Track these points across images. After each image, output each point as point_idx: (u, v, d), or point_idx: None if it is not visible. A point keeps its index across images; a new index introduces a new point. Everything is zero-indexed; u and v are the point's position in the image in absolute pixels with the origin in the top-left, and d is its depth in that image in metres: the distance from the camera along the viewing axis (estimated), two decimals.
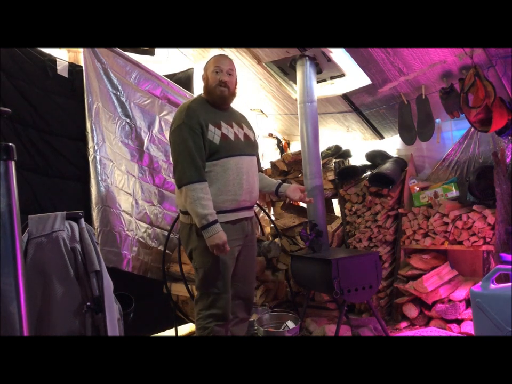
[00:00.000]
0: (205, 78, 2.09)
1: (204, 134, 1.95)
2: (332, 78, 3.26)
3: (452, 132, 3.25)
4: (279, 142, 4.34)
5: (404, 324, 2.96)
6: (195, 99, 2.14)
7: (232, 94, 2.11)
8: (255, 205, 2.38)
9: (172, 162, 3.13)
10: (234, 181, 2.00)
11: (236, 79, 2.13)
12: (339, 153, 3.58)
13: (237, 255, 2.09)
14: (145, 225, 3.00)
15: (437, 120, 3.11)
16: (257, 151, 2.23)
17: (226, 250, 1.91)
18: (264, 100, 3.83)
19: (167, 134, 3.19)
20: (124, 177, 2.87)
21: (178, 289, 2.97)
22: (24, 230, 1.72)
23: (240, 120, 2.18)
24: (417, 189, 3.13)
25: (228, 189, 1.98)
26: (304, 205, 3.13)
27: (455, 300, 2.77)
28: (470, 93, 2.62)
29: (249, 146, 2.12)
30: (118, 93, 2.89)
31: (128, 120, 2.95)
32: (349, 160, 3.56)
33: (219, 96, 2.05)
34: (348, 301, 2.59)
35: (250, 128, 2.23)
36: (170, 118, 3.22)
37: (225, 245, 1.89)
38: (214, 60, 2.09)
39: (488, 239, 2.71)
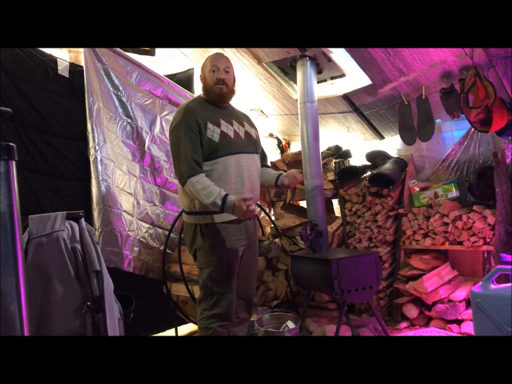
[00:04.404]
0: (203, 78, 2.11)
1: (201, 132, 1.95)
2: (332, 78, 3.26)
3: (452, 132, 3.25)
4: (279, 142, 4.34)
5: (404, 324, 2.96)
6: (194, 99, 2.16)
7: (231, 91, 2.11)
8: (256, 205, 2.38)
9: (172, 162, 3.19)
10: (236, 179, 2.00)
11: (234, 76, 2.14)
12: (339, 153, 3.58)
13: (241, 255, 2.08)
14: (147, 225, 3.01)
15: (437, 121, 3.11)
16: (259, 148, 2.22)
17: (252, 210, 1.85)
18: (265, 100, 3.83)
19: (168, 134, 3.20)
20: (125, 177, 2.87)
21: (178, 289, 2.97)
22: (25, 230, 1.71)
23: (241, 118, 2.18)
24: (417, 189, 3.13)
25: (231, 187, 1.97)
26: (304, 205, 3.13)
27: (455, 300, 2.77)
28: (470, 93, 2.62)
29: (250, 144, 2.11)
30: (119, 93, 2.89)
31: (129, 120, 2.95)
32: (349, 161, 3.56)
33: (218, 94, 2.06)
34: (348, 301, 2.59)
35: (252, 125, 2.22)
36: (171, 118, 3.19)
37: (249, 207, 1.82)
38: (210, 59, 2.10)
39: (488, 240, 2.71)
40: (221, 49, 2.95)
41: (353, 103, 3.38)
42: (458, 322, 2.74)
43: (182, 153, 1.92)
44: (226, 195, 1.86)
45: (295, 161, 3.60)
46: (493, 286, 2.04)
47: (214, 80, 2.04)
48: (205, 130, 1.96)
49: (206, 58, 2.12)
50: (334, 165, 3.45)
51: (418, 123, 3.05)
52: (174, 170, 2.02)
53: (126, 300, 2.28)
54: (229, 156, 1.99)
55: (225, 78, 2.05)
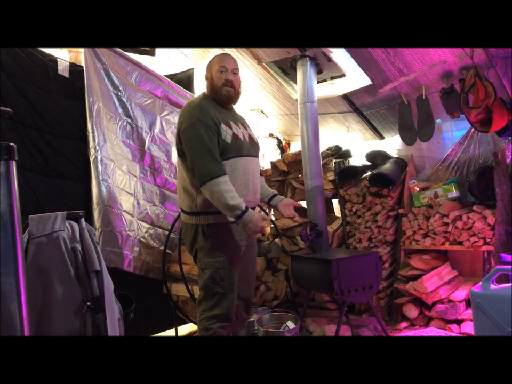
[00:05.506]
0: (209, 78, 2.06)
1: (218, 131, 1.93)
2: (332, 78, 3.27)
3: (452, 132, 3.26)
4: (279, 142, 4.34)
5: (404, 324, 2.96)
6: (203, 97, 2.07)
7: (238, 94, 2.09)
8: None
9: (173, 162, 3.19)
10: (241, 181, 1.99)
11: (240, 78, 2.11)
12: (339, 153, 3.58)
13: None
14: (147, 226, 3.01)
15: (437, 121, 3.11)
16: (259, 152, 2.22)
17: (263, 229, 1.92)
18: (265, 100, 3.83)
19: (168, 134, 3.20)
20: (125, 177, 2.87)
21: (178, 289, 2.97)
22: (25, 230, 1.71)
23: (243, 121, 2.17)
24: (417, 189, 3.13)
25: (235, 189, 1.95)
26: (304, 205, 3.13)
27: (455, 300, 2.77)
28: (470, 93, 2.62)
29: (253, 148, 2.11)
30: (119, 93, 2.89)
31: (129, 120, 2.95)
32: (349, 161, 3.57)
33: (226, 96, 2.03)
34: (348, 301, 2.59)
35: (250, 129, 2.23)
36: (171, 118, 3.22)
37: (263, 226, 1.89)
38: (218, 59, 2.06)
39: (488, 240, 2.71)
40: (220, 49, 2.95)
41: (353, 103, 3.38)
42: (458, 322, 2.74)
43: (206, 152, 1.88)
44: (248, 207, 1.88)
45: (295, 161, 3.60)
46: (493, 286, 2.04)
47: (222, 81, 2.00)
48: (220, 130, 1.94)
49: (213, 58, 2.09)
50: (334, 165, 3.46)
51: (418, 123, 3.05)
52: (194, 167, 1.91)
53: (126, 300, 2.27)
54: (238, 158, 1.98)
55: (233, 80, 2.03)
